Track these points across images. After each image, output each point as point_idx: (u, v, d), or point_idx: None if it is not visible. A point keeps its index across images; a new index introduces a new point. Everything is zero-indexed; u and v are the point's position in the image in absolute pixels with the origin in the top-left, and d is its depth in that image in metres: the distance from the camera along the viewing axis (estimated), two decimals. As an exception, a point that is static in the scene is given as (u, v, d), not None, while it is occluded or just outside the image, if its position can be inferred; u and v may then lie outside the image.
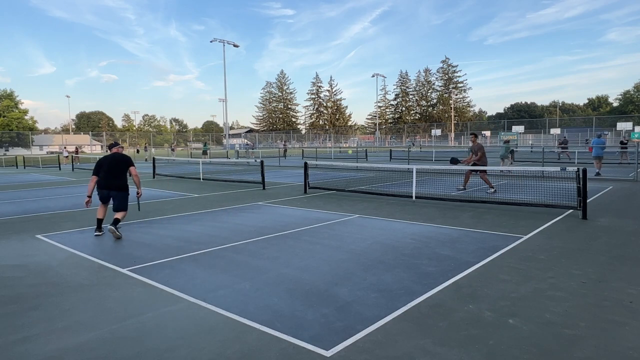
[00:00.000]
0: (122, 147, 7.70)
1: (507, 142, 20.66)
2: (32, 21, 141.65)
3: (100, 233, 7.07)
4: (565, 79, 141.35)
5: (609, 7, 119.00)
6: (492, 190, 11.56)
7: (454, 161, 12.41)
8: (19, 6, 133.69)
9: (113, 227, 6.68)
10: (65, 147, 43.70)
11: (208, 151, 40.45)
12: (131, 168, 7.21)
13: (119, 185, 7.01)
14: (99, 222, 7.12)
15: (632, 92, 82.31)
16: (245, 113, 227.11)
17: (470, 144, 12.18)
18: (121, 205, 7.03)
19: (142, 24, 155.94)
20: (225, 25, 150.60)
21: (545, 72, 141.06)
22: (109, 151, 7.51)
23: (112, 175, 7.00)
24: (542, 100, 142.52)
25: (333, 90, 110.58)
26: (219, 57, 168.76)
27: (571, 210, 8.38)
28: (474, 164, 11.58)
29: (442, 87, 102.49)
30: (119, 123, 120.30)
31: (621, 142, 27.27)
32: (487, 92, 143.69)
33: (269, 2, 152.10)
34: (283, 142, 52.61)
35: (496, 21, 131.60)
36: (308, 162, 14.08)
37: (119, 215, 6.93)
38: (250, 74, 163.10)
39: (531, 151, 36.24)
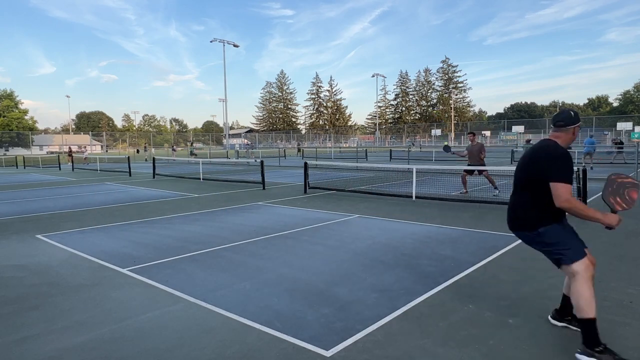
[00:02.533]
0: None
1: (528, 141, 21.50)
2: (32, 21, 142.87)
3: None
4: (565, 79, 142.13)
5: (607, 7, 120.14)
6: (497, 191, 11.28)
7: (447, 149, 12.45)
8: (19, 6, 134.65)
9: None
10: (85, 147, 44.35)
11: (195, 151, 40.99)
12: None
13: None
14: None
15: (632, 92, 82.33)
16: (245, 113, 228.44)
17: (470, 143, 11.93)
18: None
19: (142, 24, 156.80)
20: (225, 25, 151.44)
21: (545, 72, 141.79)
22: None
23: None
24: (542, 100, 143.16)
25: (333, 90, 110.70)
26: (219, 57, 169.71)
27: (571, 210, 8.36)
28: (480, 164, 11.44)
29: (442, 87, 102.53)
30: (119, 123, 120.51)
31: (616, 143, 27.37)
32: (487, 92, 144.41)
33: (268, 3, 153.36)
34: (297, 142, 54.55)
35: (495, 21, 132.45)
36: (308, 162, 14.08)
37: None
38: (250, 74, 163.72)
39: (531, 151, 36.15)
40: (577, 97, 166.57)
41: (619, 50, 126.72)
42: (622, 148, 24.66)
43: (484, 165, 11.60)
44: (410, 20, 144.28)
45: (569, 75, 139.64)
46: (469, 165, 11.70)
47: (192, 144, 46.07)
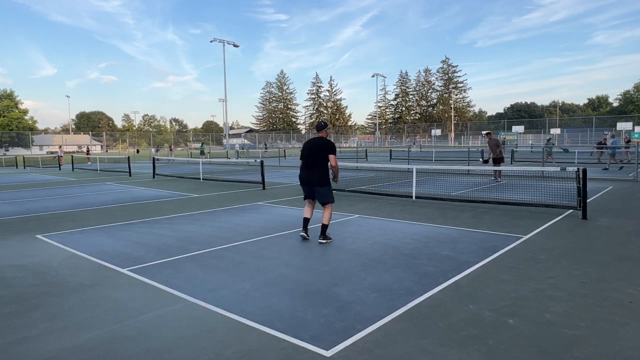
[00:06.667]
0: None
1: (549, 139, 22.43)
2: (33, 26, 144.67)
3: (305, 235, 6.43)
4: (560, 80, 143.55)
5: (591, 11, 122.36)
6: (499, 180, 14.19)
7: (486, 161, 14.93)
8: (21, 11, 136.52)
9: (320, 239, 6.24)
10: (87, 146, 44.77)
11: (205, 151, 39.89)
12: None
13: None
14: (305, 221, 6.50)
15: (632, 92, 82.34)
16: (242, 114, 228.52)
17: (487, 140, 14.69)
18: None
19: (140, 28, 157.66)
20: (220, 29, 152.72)
21: (539, 74, 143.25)
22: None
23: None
24: (542, 100, 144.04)
25: (333, 91, 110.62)
26: (216, 59, 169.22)
27: (571, 210, 8.38)
28: (500, 157, 14.33)
29: (442, 87, 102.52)
30: (118, 123, 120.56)
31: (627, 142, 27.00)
32: (486, 93, 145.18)
33: (262, 8, 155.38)
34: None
35: (484, 25, 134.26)
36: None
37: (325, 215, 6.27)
38: (247, 75, 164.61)
39: (531, 151, 36.18)
40: (577, 97, 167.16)
41: (608, 53, 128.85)
42: (628, 147, 24.48)
43: (500, 157, 14.49)
44: (400, 24, 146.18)
45: (563, 76, 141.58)
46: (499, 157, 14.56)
47: (202, 144, 45.66)
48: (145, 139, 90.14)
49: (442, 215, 8.37)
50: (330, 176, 6.37)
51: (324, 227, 6.23)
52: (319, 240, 6.19)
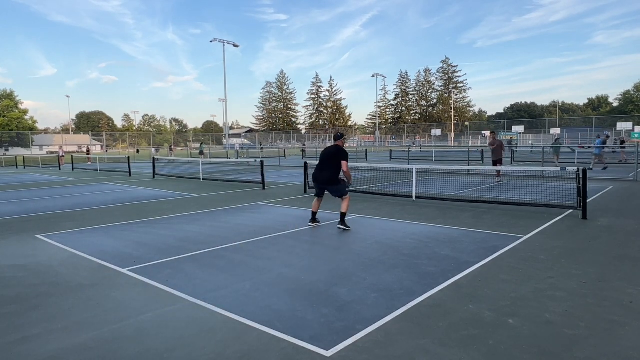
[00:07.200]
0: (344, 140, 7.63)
1: (557, 139, 22.70)
2: (33, 26, 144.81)
3: (313, 225, 7.55)
4: (560, 80, 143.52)
5: (591, 11, 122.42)
6: (499, 180, 14.24)
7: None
8: (21, 11, 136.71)
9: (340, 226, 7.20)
10: (87, 146, 45.14)
11: (204, 151, 39.77)
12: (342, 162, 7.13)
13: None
14: (313, 214, 7.64)
15: (632, 92, 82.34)
16: (242, 114, 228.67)
17: (492, 140, 14.68)
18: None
19: (140, 28, 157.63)
20: (220, 29, 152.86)
21: (539, 74, 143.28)
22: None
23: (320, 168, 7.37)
24: (542, 100, 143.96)
25: (333, 91, 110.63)
26: (216, 59, 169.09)
27: (571, 210, 8.38)
28: (500, 159, 14.43)
29: (442, 87, 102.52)
30: (118, 123, 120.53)
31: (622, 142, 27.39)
32: (486, 93, 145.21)
33: (262, 8, 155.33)
34: (303, 143, 55.46)
35: (484, 25, 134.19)
36: (308, 162, 14.07)
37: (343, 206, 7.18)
38: (247, 75, 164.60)
39: (531, 151, 36.16)
40: (577, 97, 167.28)
41: (608, 53, 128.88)
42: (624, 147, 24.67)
43: (501, 157, 14.61)
44: (400, 24, 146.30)
45: (563, 76, 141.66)
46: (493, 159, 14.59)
47: (201, 143, 45.65)
48: (145, 139, 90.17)
49: (442, 215, 8.37)
50: (344, 179, 7.37)
51: (343, 215, 7.15)
52: (338, 226, 7.18)
